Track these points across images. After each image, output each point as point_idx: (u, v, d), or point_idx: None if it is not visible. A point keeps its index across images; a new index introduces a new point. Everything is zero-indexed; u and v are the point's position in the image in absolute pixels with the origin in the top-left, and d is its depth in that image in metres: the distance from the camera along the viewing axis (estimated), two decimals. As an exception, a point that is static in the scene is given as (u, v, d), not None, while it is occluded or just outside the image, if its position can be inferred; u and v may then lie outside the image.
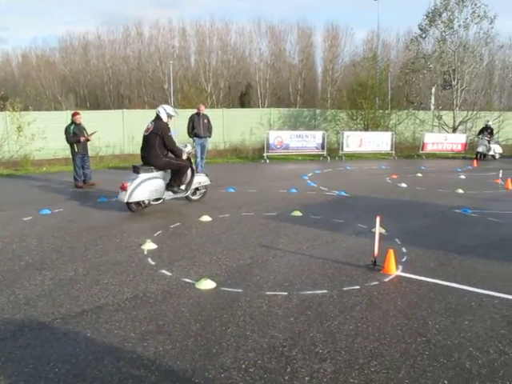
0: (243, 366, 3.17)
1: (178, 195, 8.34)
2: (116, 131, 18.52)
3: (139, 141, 19.64)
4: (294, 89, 50.95)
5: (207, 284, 4.58)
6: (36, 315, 3.97)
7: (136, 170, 7.92)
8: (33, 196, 10.04)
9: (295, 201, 8.98)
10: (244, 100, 50.25)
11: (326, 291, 4.45)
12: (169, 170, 8.25)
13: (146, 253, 5.68)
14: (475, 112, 22.04)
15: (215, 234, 6.61)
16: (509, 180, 10.89)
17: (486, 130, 18.99)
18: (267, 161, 16.83)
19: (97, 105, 51.01)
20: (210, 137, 12.79)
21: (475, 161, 17.25)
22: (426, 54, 22.68)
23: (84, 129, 11.03)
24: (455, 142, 19.83)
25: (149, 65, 51.80)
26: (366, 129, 21.32)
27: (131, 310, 4.05)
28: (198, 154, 12.48)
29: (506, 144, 21.82)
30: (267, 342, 3.48)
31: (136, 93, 51.63)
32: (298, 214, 7.76)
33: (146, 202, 7.94)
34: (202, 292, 4.46)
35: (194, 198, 8.87)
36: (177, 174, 8.26)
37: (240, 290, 4.49)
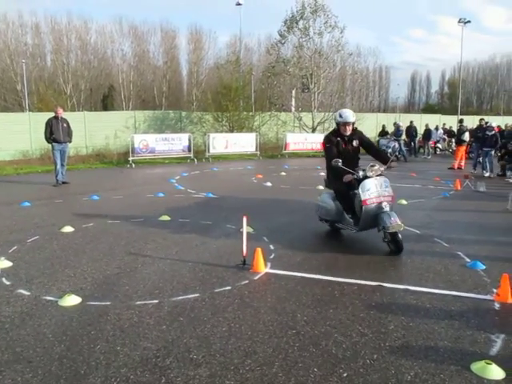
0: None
1: None
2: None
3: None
4: (159, 91, 50.30)
5: (71, 300, 4.26)
6: None
7: None
8: None
9: (163, 205, 8.83)
10: (107, 103, 48.26)
11: (197, 295, 4.43)
12: None
13: (-1, 272, 5.13)
14: (331, 113, 23.80)
15: (79, 245, 6.19)
16: None
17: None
18: (133, 165, 16.32)
19: None
20: (70, 142, 11.95)
21: None
22: (285, 59, 23.98)
23: None
24: (315, 141, 21.21)
25: (-3, 63, 47.00)
26: (231, 130, 21.82)
27: (-17, 339, 3.62)
28: (58, 161, 11.60)
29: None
30: (139, 355, 3.35)
31: (-17, 94, 46.53)
32: (166, 218, 7.64)
33: None
34: (66, 309, 4.14)
35: None
36: None
37: (108, 303, 4.26)
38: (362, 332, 3.70)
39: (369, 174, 5.91)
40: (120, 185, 12.10)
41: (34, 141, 18.24)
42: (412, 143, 21.54)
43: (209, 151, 18.43)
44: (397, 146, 18.77)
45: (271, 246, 6.04)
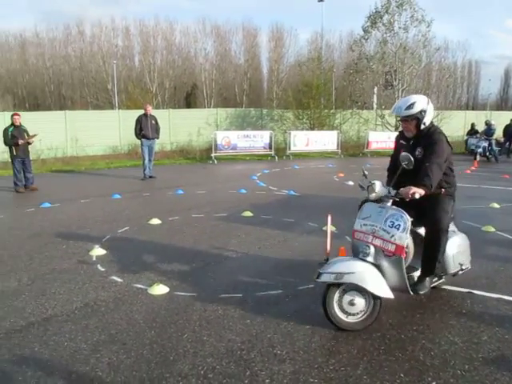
0: (202, 372, 3.11)
1: None
2: (58, 133, 17.83)
3: (83, 143, 19.08)
4: (240, 89, 51.08)
5: (160, 289, 4.47)
6: (-24, 331, 3.73)
7: None
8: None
9: (245, 201, 8.97)
10: (190, 100, 49.86)
11: (280, 291, 4.46)
12: None
13: (94, 259, 5.48)
14: (415, 111, 22.92)
15: (165, 237, 6.47)
16: None
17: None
18: (215, 161, 16.75)
19: (37, 106, 48.94)
20: (157, 138, 12.53)
21: None
22: (368, 55, 23.39)
23: (25, 131, 10.50)
24: (398, 140, 20.47)
25: (91, 64, 50.27)
26: (311, 128, 21.70)
27: (81, 320, 3.89)
28: (146, 156, 12.20)
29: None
30: (225, 346, 3.44)
31: (79, 93, 49.99)
32: (248, 214, 7.76)
33: None
34: (155, 298, 4.35)
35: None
36: None
37: (194, 294, 4.41)
38: (452, 340, 3.53)
39: (369, 196, 4.03)
40: (203, 180, 12.49)
41: (123, 137, 19.31)
42: (508, 143, 20.15)
43: (289, 149, 18.46)
44: (487, 145, 17.70)
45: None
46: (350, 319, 3.69)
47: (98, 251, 5.69)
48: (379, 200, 3.95)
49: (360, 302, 3.67)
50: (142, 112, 12.51)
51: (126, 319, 3.90)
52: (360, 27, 23.56)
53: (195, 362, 3.24)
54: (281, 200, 9.35)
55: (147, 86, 45.81)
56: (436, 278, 4.19)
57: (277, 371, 3.11)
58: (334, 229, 6.52)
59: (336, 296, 3.67)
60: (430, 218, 3.96)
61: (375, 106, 25.01)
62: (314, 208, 8.33)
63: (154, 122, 12.23)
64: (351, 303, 3.66)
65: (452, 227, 4.25)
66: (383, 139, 20.36)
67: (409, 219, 3.69)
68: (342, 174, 13.10)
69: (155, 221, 7.26)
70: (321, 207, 8.17)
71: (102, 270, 5.12)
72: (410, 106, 3.93)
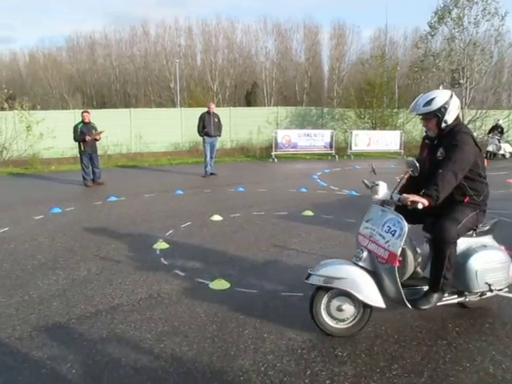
0: (262, 369, 3.13)
1: None
2: (123, 130, 18.50)
3: (146, 140, 19.67)
4: (301, 87, 50.81)
5: (221, 284, 4.54)
6: (51, 315, 3.95)
7: None
8: (43, 195, 10.05)
9: (306, 200, 8.92)
10: (250, 99, 50.16)
11: (342, 292, 4.39)
12: None
13: (158, 252, 5.65)
14: (484, 111, 21.84)
15: (227, 233, 6.57)
16: None
17: (496, 129, 18.77)
18: (275, 160, 16.77)
19: (103, 104, 51.03)
20: (219, 136, 12.73)
21: (486, 160, 17.09)
22: (434, 52, 22.53)
23: (94, 128, 10.98)
24: (464, 140, 19.59)
25: (155, 64, 51.82)
26: (373, 128, 21.23)
27: (146, 311, 4.02)
28: (208, 154, 12.43)
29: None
30: (285, 344, 3.44)
31: (142, 91, 51.64)
32: (309, 213, 7.71)
33: None
34: (217, 292, 4.42)
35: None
36: None
37: (255, 291, 4.44)
38: (526, 354, 3.34)
39: (372, 197, 3.85)
40: (263, 178, 12.55)
41: (184, 134, 19.76)
42: None
43: (351, 148, 18.16)
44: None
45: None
46: (337, 325, 3.56)
47: (161, 245, 5.86)
48: (384, 203, 3.71)
49: (349, 309, 3.53)
50: (203, 110, 12.74)
51: (188, 312, 4.00)
52: (426, 23, 22.74)
53: (256, 358, 3.26)
54: (342, 200, 9.22)
55: (208, 84, 46.60)
56: (455, 296, 3.74)
57: (338, 373, 3.08)
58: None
59: (324, 300, 3.54)
60: (435, 226, 3.57)
61: (440, 104, 24.05)
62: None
63: (216, 119, 12.42)
64: (339, 309, 3.53)
65: (485, 240, 3.77)
66: (449, 139, 19.54)
67: (406, 226, 3.42)
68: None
69: (217, 217, 7.37)
70: (383, 208, 7.98)
71: (166, 263, 5.27)
72: (429, 102, 3.57)
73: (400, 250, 3.40)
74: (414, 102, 3.74)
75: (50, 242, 6.19)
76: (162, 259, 5.39)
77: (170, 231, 6.63)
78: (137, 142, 19.05)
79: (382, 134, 19.31)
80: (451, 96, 3.61)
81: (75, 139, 10.94)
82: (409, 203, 3.36)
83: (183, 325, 3.74)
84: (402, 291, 3.43)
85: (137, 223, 7.19)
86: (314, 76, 52.19)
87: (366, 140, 18.46)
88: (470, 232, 3.71)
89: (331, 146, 17.90)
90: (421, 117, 3.73)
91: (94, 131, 10.90)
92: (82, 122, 10.89)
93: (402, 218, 3.47)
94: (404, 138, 19.52)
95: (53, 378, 3.04)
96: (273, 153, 17.07)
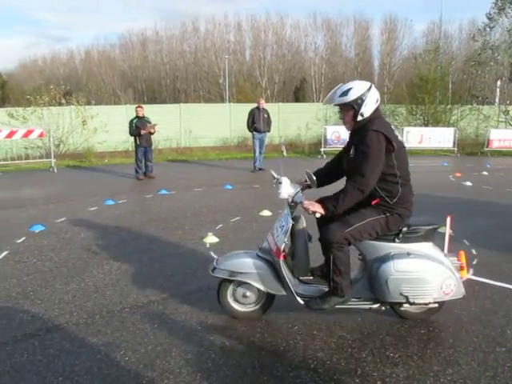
0: (312, 366, 3.10)
1: None
2: (173, 125, 18.83)
3: (196, 135, 19.92)
4: (350, 83, 50.01)
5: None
6: (105, 303, 4.09)
7: None
8: (97, 187, 10.41)
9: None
10: (298, 95, 49.96)
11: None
12: None
13: (208, 246, 5.72)
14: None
15: (275, 229, 6.55)
16: None
17: None
18: (324, 156, 16.58)
19: (154, 99, 52.27)
20: (269, 131, 12.74)
21: None
22: (493, 45, 21.57)
23: (148, 121, 11.23)
24: (524, 138, 18.68)
25: (205, 59, 52.56)
26: (425, 124, 20.61)
27: (196, 303, 4.08)
28: (257, 149, 12.47)
29: None
30: (335, 343, 3.40)
31: (192, 87, 52.52)
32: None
33: None
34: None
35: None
36: None
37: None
38: None
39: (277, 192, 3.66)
40: (311, 174, 12.43)
41: (233, 129, 19.91)
42: None
43: (403, 145, 17.64)
44: None
45: (473, 251, 5.53)
46: (243, 309, 3.75)
47: (211, 239, 5.93)
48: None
49: (253, 295, 3.71)
50: (252, 106, 12.78)
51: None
52: (484, 15, 21.79)
53: (305, 354, 3.24)
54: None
55: (257, 80, 46.82)
56: (369, 302, 3.54)
57: (389, 374, 3.01)
58: (450, 231, 6.14)
59: (230, 289, 3.72)
60: (326, 226, 3.42)
61: (498, 100, 23.05)
62: (427, 208, 7.84)
63: (266, 115, 12.44)
64: (244, 295, 3.70)
65: (412, 248, 3.44)
66: (507, 137, 18.68)
67: (290, 221, 3.47)
68: (458, 174, 12.28)
69: (266, 212, 7.38)
70: (436, 208, 7.71)
71: (215, 257, 5.31)
72: (345, 93, 3.36)
73: (283, 245, 3.44)
74: (330, 93, 3.58)
75: (104, 233, 6.39)
76: (212, 253, 5.45)
77: (220, 225, 6.70)
78: (186, 137, 19.36)
79: (434, 131, 18.69)
80: (369, 88, 3.38)
81: (131, 134, 11.25)
82: (310, 212, 3.39)
83: (232, 319, 3.77)
84: (290, 286, 3.48)
85: (187, 217, 7.31)
86: (364, 71, 51.26)
87: (417, 137, 17.94)
88: (392, 237, 3.44)
89: (381, 143, 17.49)
90: (338, 109, 3.52)
91: (148, 124, 11.16)
92: (137, 116, 11.17)
93: (289, 214, 3.51)
94: (458, 136, 18.82)
95: (108, 364, 3.13)
96: (322, 149, 16.89)
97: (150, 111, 15.96)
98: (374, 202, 3.39)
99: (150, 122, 11.20)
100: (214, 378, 2.98)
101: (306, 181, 3.54)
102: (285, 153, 4.24)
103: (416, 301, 3.42)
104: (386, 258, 3.40)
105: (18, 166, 14.08)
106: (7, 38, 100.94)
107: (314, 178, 3.34)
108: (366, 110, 3.35)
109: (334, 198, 3.37)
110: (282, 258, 3.47)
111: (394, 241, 3.45)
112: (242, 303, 3.74)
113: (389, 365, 3.12)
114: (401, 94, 22.44)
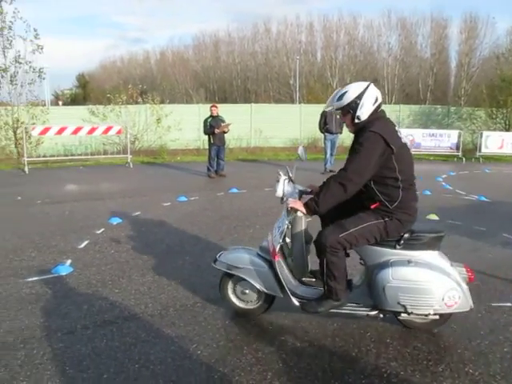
0: (385, 376, 3.01)
1: None
2: (244, 124, 19.06)
3: (266, 135, 20.04)
4: (424, 84, 48.23)
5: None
6: (178, 297, 4.20)
7: None
8: (170, 183, 10.75)
9: (430, 203, 8.43)
10: (370, 96, 48.80)
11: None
12: None
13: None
14: None
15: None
16: None
17: None
18: (395, 159, 16.10)
19: (225, 99, 53.18)
20: (341, 133, 12.57)
21: None
22: None
23: (222, 121, 11.42)
24: None
25: (276, 60, 52.71)
26: (506, 129, 19.46)
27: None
28: (328, 150, 12.35)
29: None
30: (410, 353, 3.28)
31: (262, 88, 52.85)
32: (434, 217, 7.29)
33: None
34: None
35: None
36: None
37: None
38: None
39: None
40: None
41: (303, 130, 19.83)
42: None
43: (480, 150, 16.74)
44: None
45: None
46: (245, 306, 3.77)
47: (281, 238, 5.91)
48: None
49: (251, 293, 3.71)
50: (322, 107, 12.62)
51: (307, 308, 3.98)
52: None
53: (378, 363, 3.16)
54: (469, 205, 8.58)
55: (328, 81, 46.30)
56: (368, 308, 3.40)
57: (469, 391, 2.86)
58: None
59: (230, 284, 3.76)
60: (321, 230, 3.42)
61: None
62: (508, 217, 7.47)
63: (338, 116, 12.22)
64: (243, 292, 3.72)
65: (414, 255, 3.30)
66: None
67: (285, 223, 3.46)
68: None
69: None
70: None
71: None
72: (341, 97, 3.29)
73: (278, 246, 3.42)
74: (330, 97, 3.48)
75: (177, 228, 6.58)
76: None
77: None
78: (256, 137, 19.54)
79: (517, 136, 17.62)
80: (366, 89, 3.26)
81: (205, 132, 11.51)
82: (289, 209, 3.38)
83: (304, 320, 3.74)
84: (285, 287, 3.45)
85: (258, 216, 7.36)
86: (440, 72, 49.18)
87: (498, 142, 16.94)
88: (393, 243, 3.30)
89: (458, 148, 16.75)
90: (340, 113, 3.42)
91: (222, 124, 11.34)
92: (211, 115, 11.40)
93: (286, 215, 3.51)
94: (544, 141, 17.58)
95: (181, 356, 3.22)
96: (394, 152, 16.41)
97: (222, 110, 16.25)
98: (373, 206, 3.29)
99: (223, 122, 11.39)
100: (285, 378, 2.98)
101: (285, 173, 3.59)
102: (302, 156, 3.80)
103: (414, 311, 3.26)
104: (384, 265, 3.28)
105: (97, 161, 14.87)
106: (90, 40, 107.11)
107: (291, 174, 3.55)
108: (363, 113, 3.26)
109: (314, 197, 3.31)
110: (276, 259, 3.45)
111: (395, 247, 3.32)
112: (241, 300, 3.78)
113: (468, 382, 2.96)
114: (480, 96, 21.34)
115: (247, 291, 3.72)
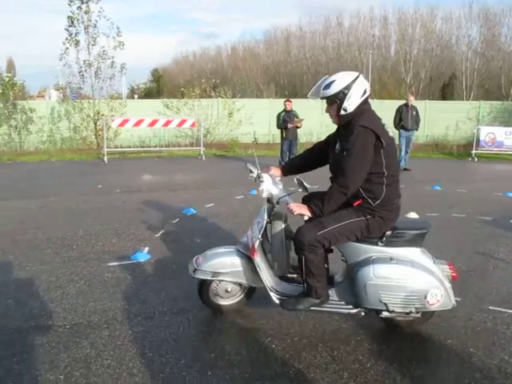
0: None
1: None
2: (314, 120, 18.85)
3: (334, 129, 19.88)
4: (507, 80, 45.37)
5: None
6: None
7: None
8: (241, 176, 10.81)
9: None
10: (446, 92, 46.76)
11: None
12: None
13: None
14: None
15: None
16: None
17: None
18: (475, 159, 15.28)
19: (295, 94, 52.92)
20: (417, 129, 12.14)
21: None
22: None
23: (295, 115, 11.37)
24: None
25: (347, 55, 51.81)
26: None
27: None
28: (403, 147, 11.96)
29: None
30: (497, 366, 3.08)
31: (333, 83, 52.09)
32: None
33: None
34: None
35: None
36: None
37: (458, 299, 4.08)
38: None
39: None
40: (462, 178, 11.63)
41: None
42: None
43: None
44: None
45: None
46: (225, 302, 3.73)
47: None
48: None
49: (235, 288, 3.69)
50: (395, 102, 12.29)
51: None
52: None
53: (462, 372, 3.01)
54: None
55: (401, 76, 44.88)
56: (349, 306, 3.34)
57: None
58: None
59: (212, 287, 3.66)
60: (300, 227, 3.23)
61: None
62: None
63: (414, 112, 11.87)
64: (227, 291, 3.67)
65: (396, 252, 3.21)
66: None
67: (265, 219, 3.38)
68: None
69: (413, 215, 6.98)
70: None
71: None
72: (328, 86, 3.15)
73: (257, 242, 3.34)
74: (315, 85, 3.33)
75: (251, 221, 6.58)
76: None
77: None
78: (328, 132, 19.19)
79: None
80: (355, 79, 3.10)
81: (278, 126, 11.56)
82: (294, 214, 3.24)
83: (379, 320, 3.62)
84: (265, 283, 3.40)
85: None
86: (525, 66, 46.10)
87: None
88: (375, 239, 3.21)
89: (545, 147, 15.63)
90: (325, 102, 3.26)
91: (295, 119, 11.30)
92: (284, 110, 11.41)
93: (266, 210, 3.43)
94: None
95: (255, 349, 3.25)
96: (473, 151, 15.54)
97: (292, 105, 16.26)
98: (355, 204, 3.20)
99: (297, 117, 11.33)
100: (361, 380, 2.91)
101: (299, 184, 3.38)
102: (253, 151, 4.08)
103: (396, 309, 3.19)
104: (366, 262, 3.20)
105: (170, 153, 15.34)
106: (164, 36, 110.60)
107: (306, 184, 3.33)
108: (350, 104, 3.11)
109: (319, 199, 3.20)
110: (255, 256, 3.38)
111: (376, 244, 3.23)
112: (225, 297, 3.72)
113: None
114: None
115: (230, 289, 3.68)
